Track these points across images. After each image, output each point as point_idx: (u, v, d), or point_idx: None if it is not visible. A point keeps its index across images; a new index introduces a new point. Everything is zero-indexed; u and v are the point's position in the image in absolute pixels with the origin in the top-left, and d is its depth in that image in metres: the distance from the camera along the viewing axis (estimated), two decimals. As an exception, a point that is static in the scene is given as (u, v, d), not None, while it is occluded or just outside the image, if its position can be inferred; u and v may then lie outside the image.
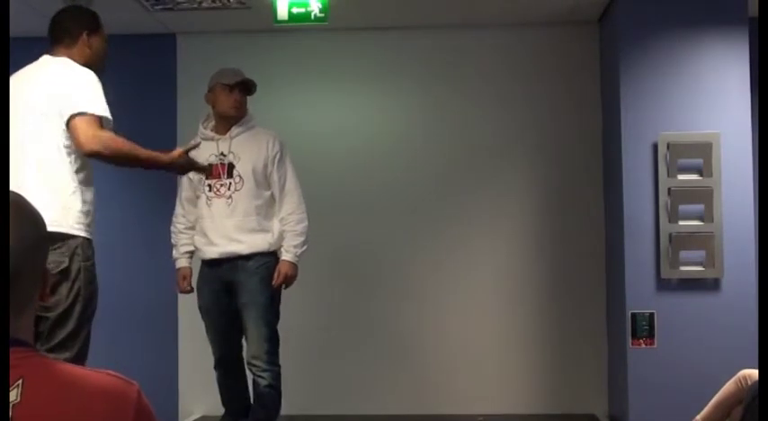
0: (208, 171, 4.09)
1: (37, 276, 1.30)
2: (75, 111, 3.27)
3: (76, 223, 3.31)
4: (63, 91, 3.32)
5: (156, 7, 5.16)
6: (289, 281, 4.30)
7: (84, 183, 3.38)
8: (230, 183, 4.19)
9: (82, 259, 3.31)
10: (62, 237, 3.26)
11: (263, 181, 4.24)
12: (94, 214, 3.42)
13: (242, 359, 4.37)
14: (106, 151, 3.29)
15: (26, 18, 4.60)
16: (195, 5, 5.14)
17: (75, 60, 3.45)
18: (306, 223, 4.31)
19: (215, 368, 4.40)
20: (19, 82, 3.38)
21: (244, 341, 4.36)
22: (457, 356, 5.65)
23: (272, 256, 4.28)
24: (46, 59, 3.48)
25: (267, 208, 4.27)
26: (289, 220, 4.27)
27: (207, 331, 4.36)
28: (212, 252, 4.23)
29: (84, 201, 3.35)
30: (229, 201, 4.18)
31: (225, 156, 4.22)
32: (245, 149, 4.24)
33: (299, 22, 4.85)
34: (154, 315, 5.66)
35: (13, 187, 1.49)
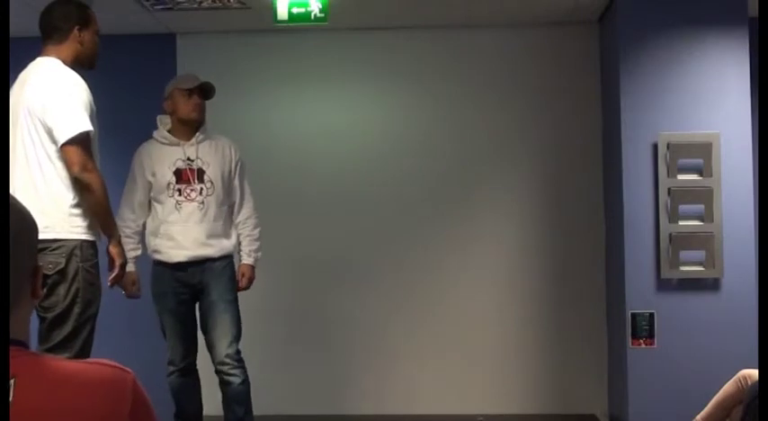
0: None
1: (26, 272, 1.28)
2: (63, 141, 3.23)
3: (73, 226, 3.30)
4: (48, 116, 3.25)
5: (156, 7, 5.16)
6: (250, 284, 4.41)
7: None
8: (201, 189, 4.22)
9: (80, 260, 3.29)
10: (60, 240, 3.25)
11: (228, 186, 4.32)
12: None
13: (196, 363, 4.39)
14: (91, 186, 3.28)
15: (26, 18, 4.60)
16: (195, 5, 5.13)
17: (64, 58, 3.37)
18: (260, 228, 4.43)
19: (175, 374, 4.32)
20: (18, 85, 3.35)
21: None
22: (457, 356, 5.65)
23: (231, 258, 4.38)
24: (37, 61, 3.39)
25: (229, 213, 4.36)
26: (247, 224, 4.38)
27: (173, 337, 4.30)
28: (180, 256, 4.23)
29: (81, 204, 3.33)
30: (201, 205, 4.22)
31: (192, 161, 4.25)
32: (211, 156, 4.29)
33: (299, 22, 4.85)
34: (153, 315, 5.65)
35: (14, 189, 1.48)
